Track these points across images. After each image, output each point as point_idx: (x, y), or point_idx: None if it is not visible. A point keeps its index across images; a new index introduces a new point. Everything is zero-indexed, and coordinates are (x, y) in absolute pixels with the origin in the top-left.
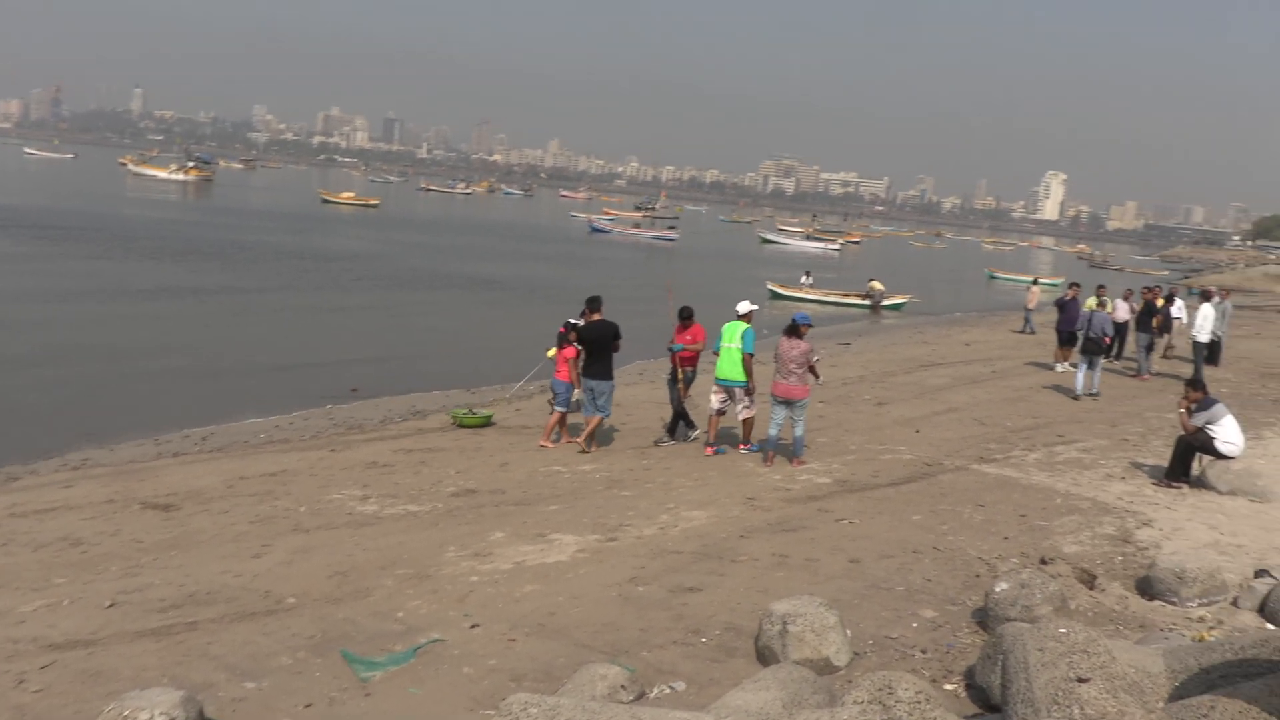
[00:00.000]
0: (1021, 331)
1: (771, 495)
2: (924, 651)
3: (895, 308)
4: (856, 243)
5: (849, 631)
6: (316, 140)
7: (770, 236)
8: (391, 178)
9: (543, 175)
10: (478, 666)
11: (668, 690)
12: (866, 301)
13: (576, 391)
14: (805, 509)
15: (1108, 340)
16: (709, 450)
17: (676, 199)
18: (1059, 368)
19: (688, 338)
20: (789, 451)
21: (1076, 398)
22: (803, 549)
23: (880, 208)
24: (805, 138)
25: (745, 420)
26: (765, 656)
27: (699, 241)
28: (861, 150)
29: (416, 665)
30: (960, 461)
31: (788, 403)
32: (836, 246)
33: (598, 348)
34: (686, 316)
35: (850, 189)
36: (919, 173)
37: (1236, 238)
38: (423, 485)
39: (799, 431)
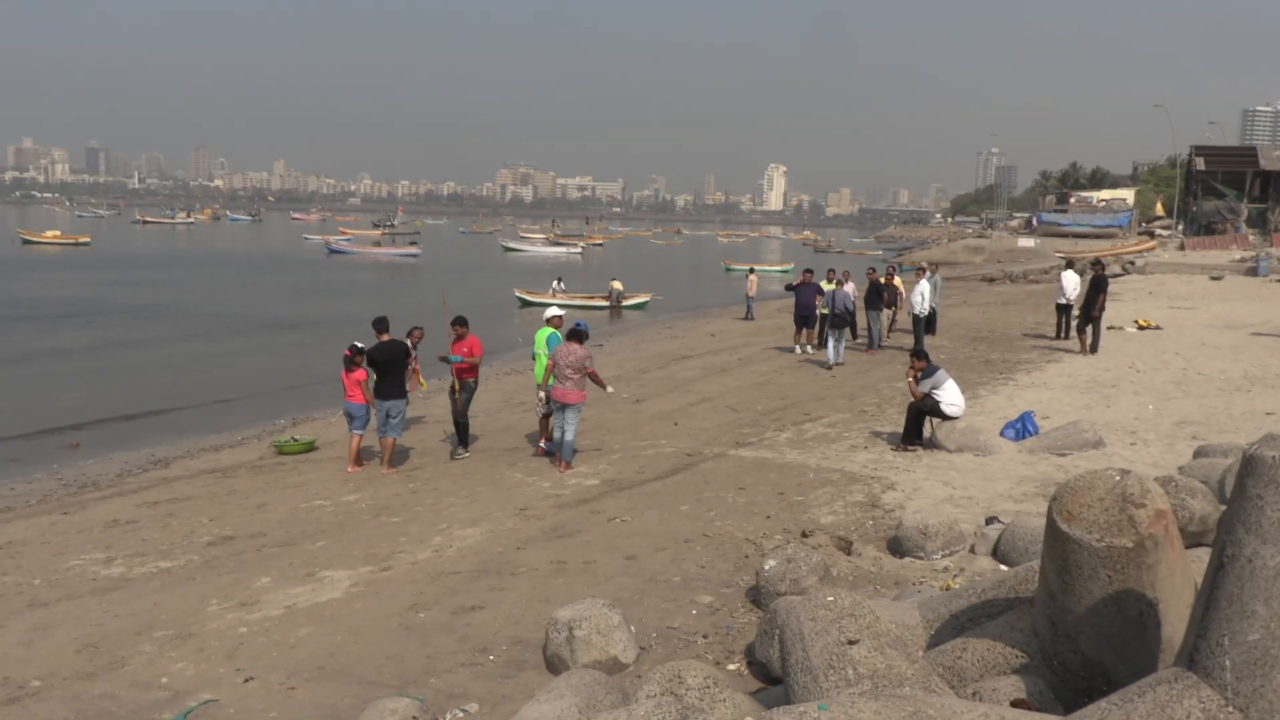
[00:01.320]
0: (744, 319)
1: (543, 503)
2: (705, 637)
3: (638, 307)
4: (599, 245)
5: (633, 628)
6: (9, 176)
7: (513, 245)
8: (101, 211)
9: (270, 198)
10: None
11: (460, 714)
12: (606, 303)
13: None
14: (577, 513)
15: (851, 314)
16: (540, 450)
17: (415, 214)
18: (798, 350)
19: (464, 349)
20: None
21: (829, 368)
22: (579, 552)
23: (618, 209)
24: (540, 145)
25: (542, 420)
26: (555, 665)
27: (442, 255)
28: (595, 155)
29: None
30: (718, 449)
31: (562, 407)
32: (579, 249)
33: (389, 368)
34: (462, 325)
35: (587, 193)
36: (651, 172)
37: (938, 215)
38: (173, 539)
39: (569, 436)
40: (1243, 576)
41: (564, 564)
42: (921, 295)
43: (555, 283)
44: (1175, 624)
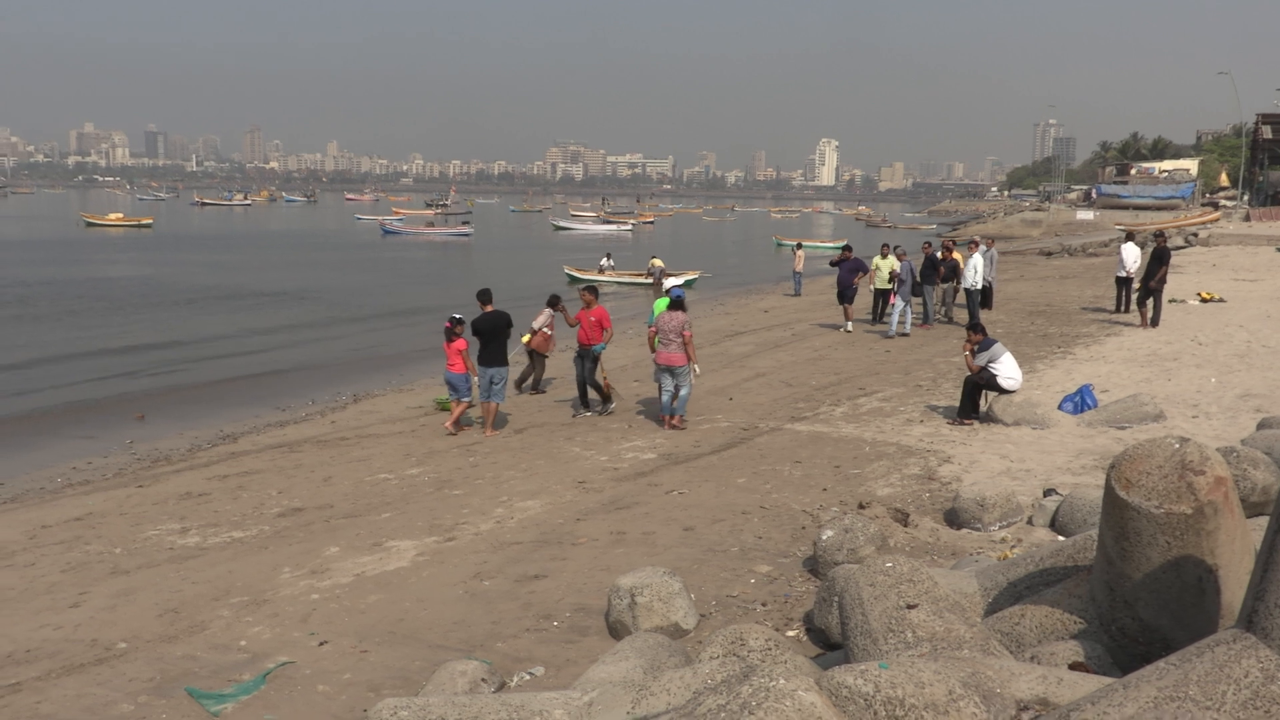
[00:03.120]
0: (794, 295)
1: (600, 476)
2: (764, 605)
3: (685, 285)
4: (650, 223)
5: (693, 595)
6: (72, 160)
7: (562, 223)
8: (161, 194)
9: (324, 179)
10: (332, 683)
11: (528, 676)
12: (649, 280)
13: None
14: (635, 485)
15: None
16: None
17: (466, 193)
18: (848, 326)
19: (592, 318)
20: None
21: (891, 336)
22: (638, 524)
23: (668, 186)
24: (589, 123)
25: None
26: (617, 631)
27: (494, 234)
28: (645, 132)
29: (268, 691)
30: (774, 423)
31: (669, 369)
32: (629, 227)
33: (492, 337)
34: (591, 293)
35: (637, 170)
36: (701, 149)
37: (994, 189)
38: (244, 510)
39: (684, 392)
40: None
41: (623, 535)
42: (975, 269)
43: (604, 259)
44: (1235, 590)
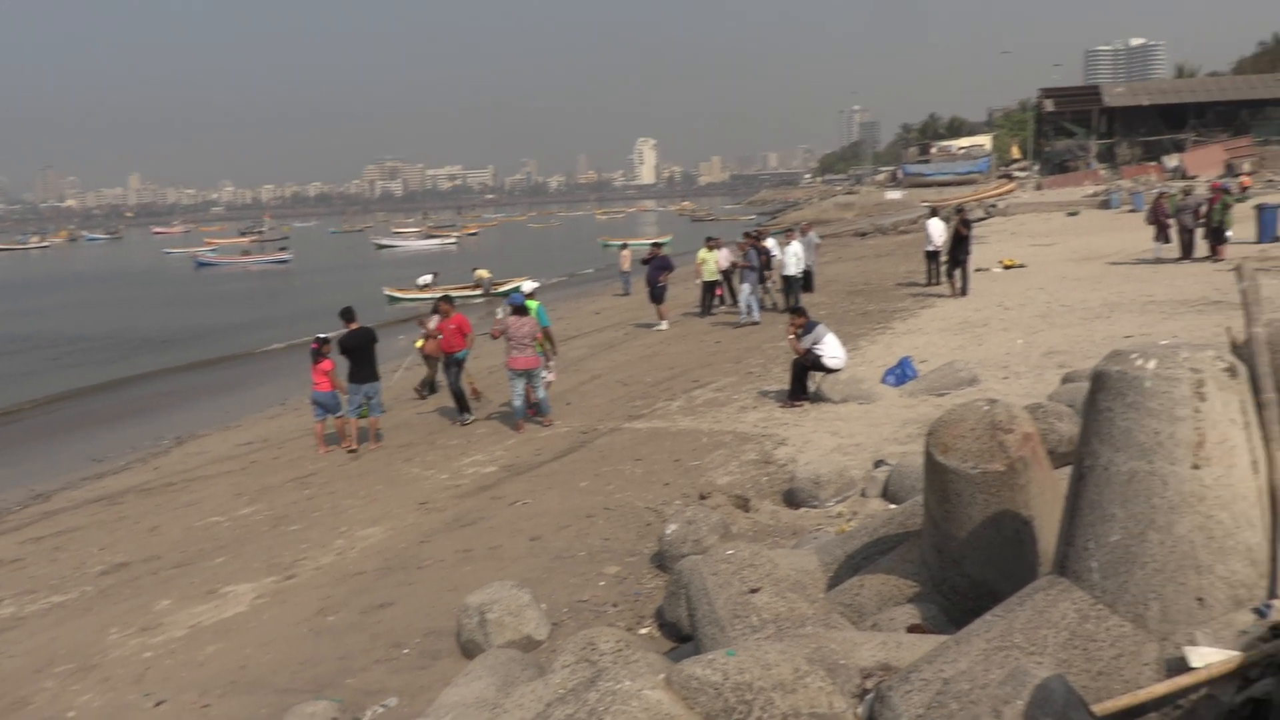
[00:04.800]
0: (623, 295)
1: (442, 495)
2: (615, 605)
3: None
4: (475, 234)
5: (544, 605)
6: None
7: (385, 241)
8: None
9: (129, 214)
10: None
11: (381, 710)
12: (478, 292)
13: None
14: (478, 500)
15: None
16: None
17: (282, 218)
18: (663, 325)
19: (451, 326)
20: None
21: (756, 323)
22: (484, 539)
23: (491, 196)
24: (406, 137)
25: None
26: (469, 650)
27: (314, 258)
28: (463, 143)
29: None
30: (613, 423)
31: (525, 373)
32: (453, 240)
33: (360, 354)
34: (448, 303)
35: (458, 182)
36: (521, 156)
37: (808, 176)
38: (64, 572)
39: (541, 394)
40: (1100, 483)
41: (470, 552)
42: (796, 256)
43: (425, 276)
44: (1049, 538)
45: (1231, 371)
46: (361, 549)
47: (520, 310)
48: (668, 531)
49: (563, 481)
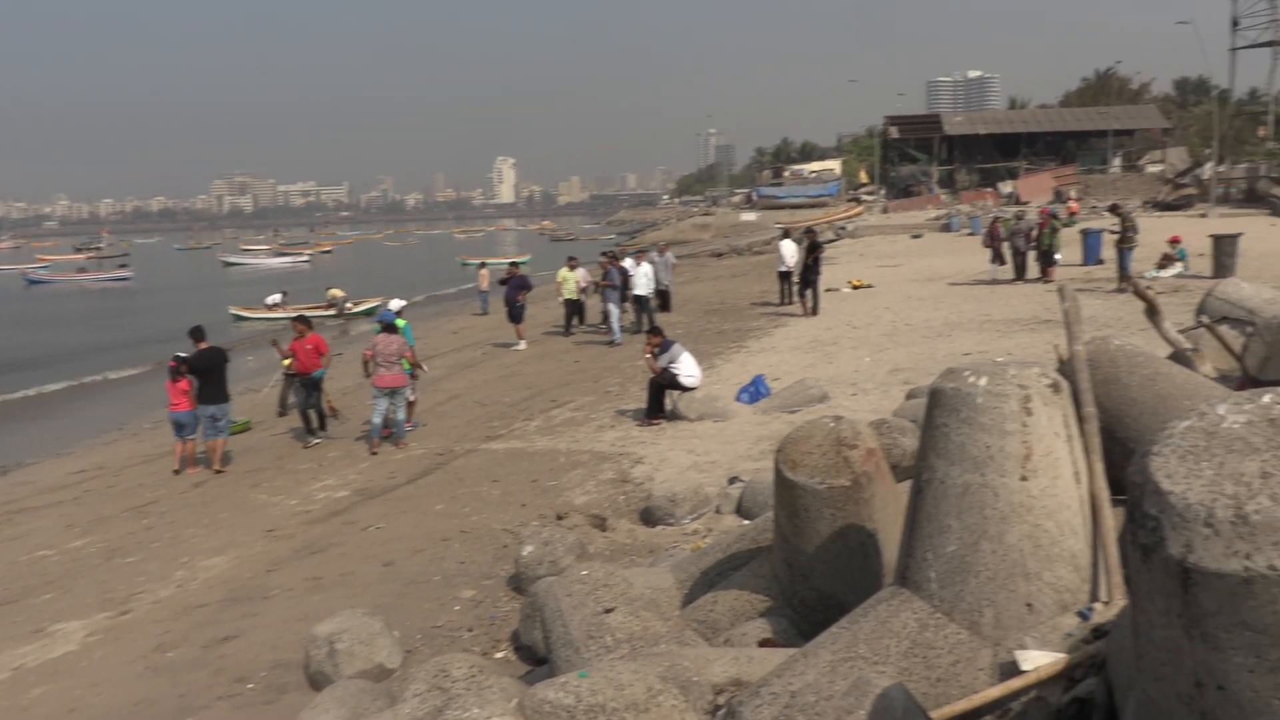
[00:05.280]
0: (482, 314)
1: (291, 521)
2: (470, 630)
3: (368, 312)
4: (328, 252)
5: (396, 633)
6: None
7: (233, 259)
8: None
9: None
10: None
11: None
12: (331, 312)
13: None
14: (329, 526)
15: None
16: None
17: (122, 234)
18: (520, 345)
19: (308, 346)
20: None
21: (617, 343)
22: (335, 566)
23: (346, 213)
24: (257, 152)
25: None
26: (318, 682)
27: (158, 275)
28: (317, 159)
29: None
30: (470, 444)
31: (390, 392)
32: (306, 258)
33: (210, 375)
34: (304, 324)
35: (312, 198)
36: (378, 173)
37: (666, 197)
38: None
39: (400, 415)
40: (937, 496)
41: (319, 580)
42: (647, 276)
43: (275, 296)
44: (893, 549)
45: (1055, 388)
46: (204, 580)
47: (389, 328)
48: (524, 553)
49: (418, 505)
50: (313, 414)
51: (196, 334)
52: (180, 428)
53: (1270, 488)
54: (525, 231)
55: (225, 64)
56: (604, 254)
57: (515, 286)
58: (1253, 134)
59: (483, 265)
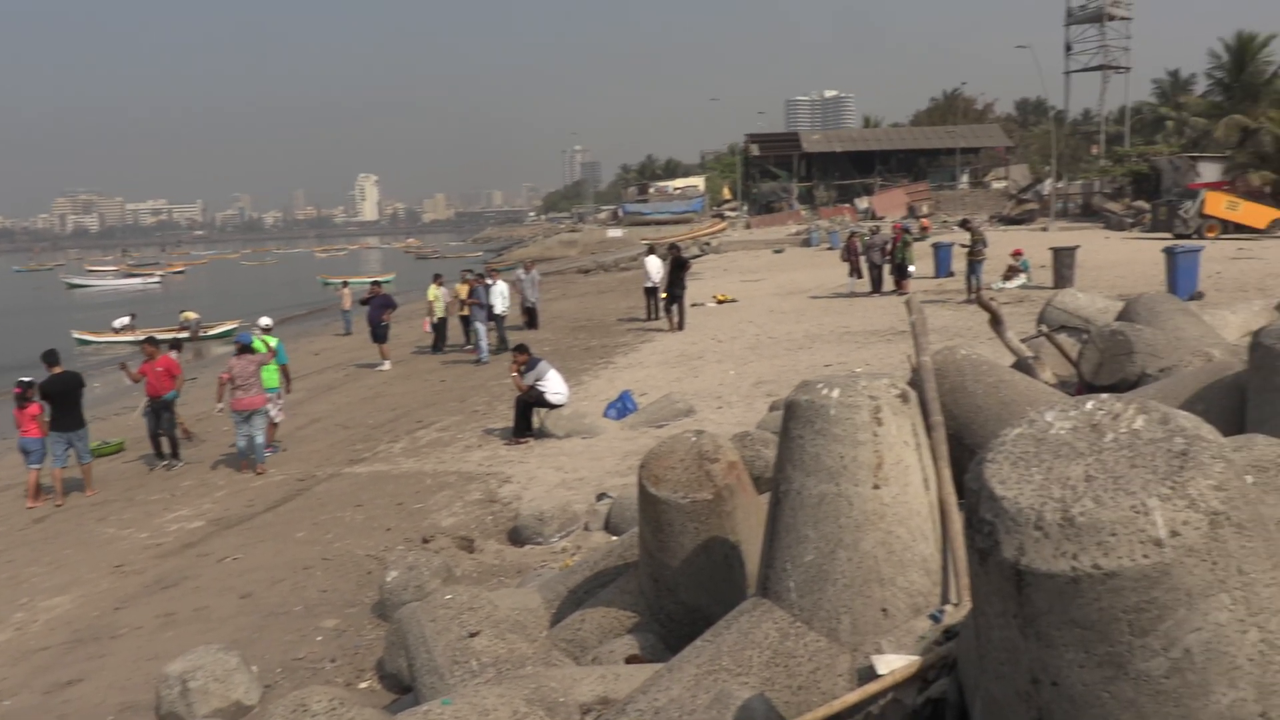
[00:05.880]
0: (344, 334)
1: (141, 555)
2: (334, 661)
3: (225, 334)
4: (181, 272)
5: (255, 667)
6: None
7: (78, 280)
8: None
9: None
10: None
11: None
12: (184, 335)
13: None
14: (183, 559)
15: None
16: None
17: None
18: (385, 365)
19: (159, 368)
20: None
21: (485, 362)
22: (189, 600)
23: (200, 232)
24: (103, 169)
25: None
26: None
27: None
28: (168, 176)
29: None
30: (332, 469)
31: (249, 414)
32: (157, 279)
33: (64, 400)
34: (152, 344)
35: (163, 216)
36: (233, 191)
37: (532, 214)
38: None
39: (259, 439)
40: (794, 507)
41: (172, 616)
42: (502, 295)
43: (122, 319)
44: (755, 561)
45: (904, 398)
46: (45, 621)
47: (246, 349)
48: (388, 579)
49: (277, 533)
50: (164, 440)
51: (50, 358)
52: (27, 455)
53: (1093, 490)
54: (390, 249)
55: (67, 73)
56: (465, 272)
57: (378, 306)
58: (1087, 152)
59: (345, 284)
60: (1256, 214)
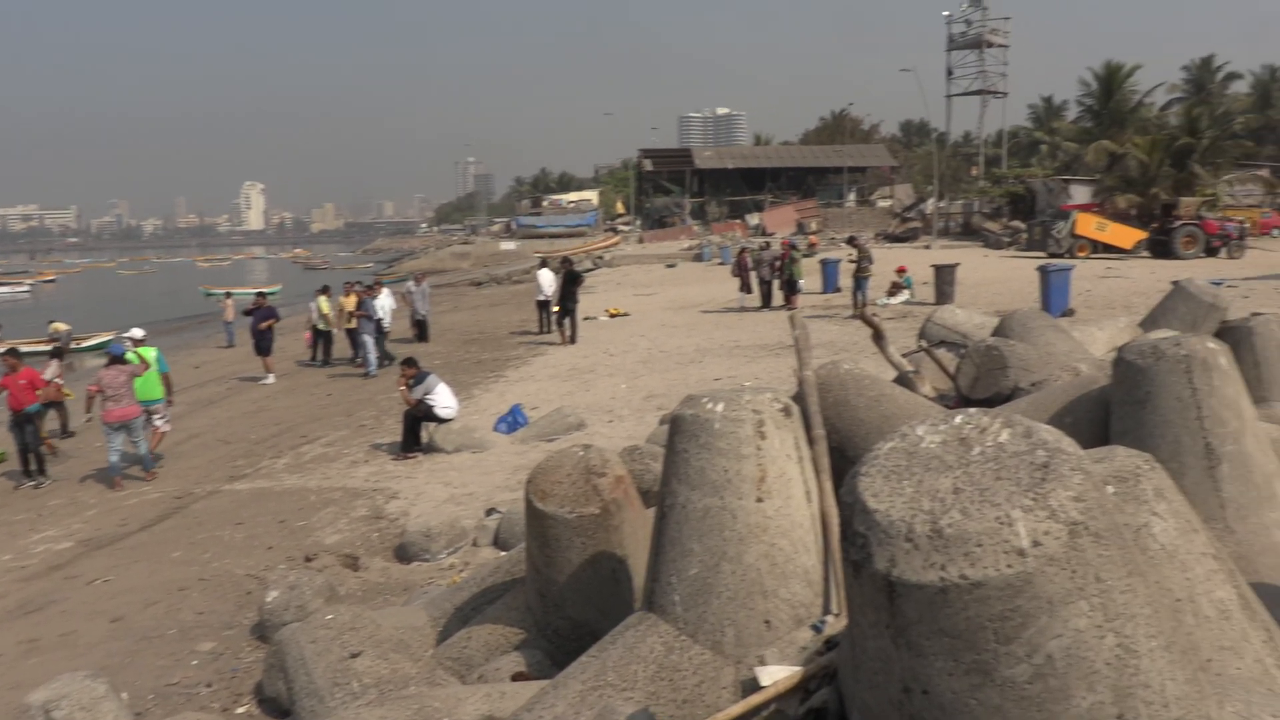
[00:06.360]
0: (227, 346)
1: (4, 579)
2: (209, 686)
3: (98, 347)
4: (52, 281)
5: (125, 695)
6: None
7: None
8: None
9: None
10: None
11: None
12: (54, 346)
13: None
14: (49, 582)
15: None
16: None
17: None
18: (269, 379)
19: (21, 381)
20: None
21: (373, 375)
22: (55, 625)
23: (74, 239)
24: None
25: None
26: None
27: None
28: (40, 181)
29: None
30: (211, 486)
31: (123, 425)
32: (26, 289)
33: None
34: (14, 356)
35: (34, 223)
36: (111, 197)
37: (424, 225)
38: None
39: (143, 450)
40: (680, 520)
41: (36, 642)
42: (383, 309)
43: None
44: (643, 575)
45: (786, 411)
46: None
47: (117, 360)
48: (268, 599)
49: (152, 553)
50: (30, 456)
51: None
52: None
53: (961, 502)
54: (277, 260)
55: None
56: (348, 284)
57: (262, 317)
58: (967, 173)
59: (228, 295)
60: (1123, 235)
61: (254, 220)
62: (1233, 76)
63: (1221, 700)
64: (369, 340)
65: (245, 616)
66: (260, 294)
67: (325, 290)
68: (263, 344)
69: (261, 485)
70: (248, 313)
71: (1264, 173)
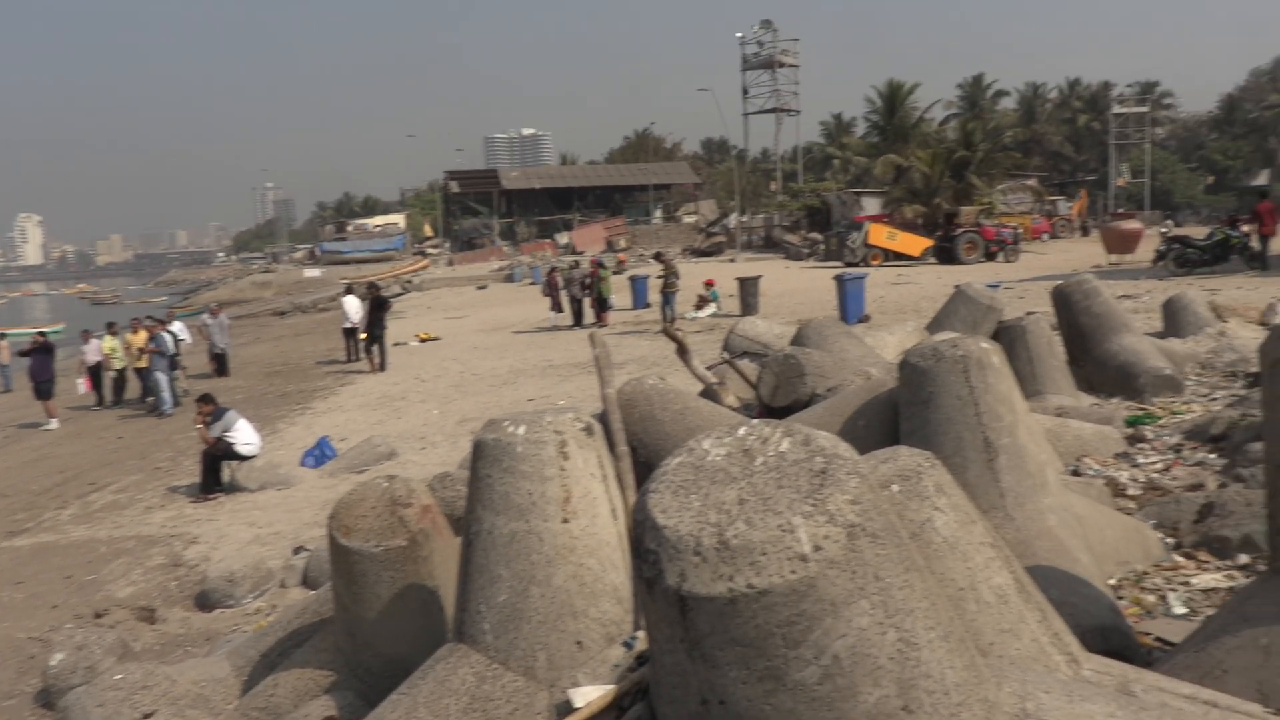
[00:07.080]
0: (3, 391)
1: None
2: None
3: None
4: None
5: None
6: None
7: None
8: None
9: None
10: None
11: None
12: None
13: None
14: None
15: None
16: None
17: None
18: (51, 424)
19: None
20: None
21: (168, 414)
22: None
23: None
24: None
25: None
26: None
27: None
28: None
29: None
30: None
31: None
32: None
33: None
34: None
35: None
36: None
37: (221, 254)
38: None
39: None
40: (486, 547)
41: None
42: (176, 341)
43: None
44: (453, 605)
45: (589, 430)
46: None
47: None
48: (53, 662)
49: None
50: None
51: None
52: None
53: (745, 513)
54: (59, 296)
55: None
56: (136, 320)
57: (42, 358)
58: (766, 188)
59: (3, 336)
60: (912, 243)
61: (31, 254)
62: (1001, 94)
63: (1000, 682)
64: (162, 378)
65: (27, 683)
66: (41, 333)
67: (111, 327)
68: (43, 387)
69: (45, 539)
70: (25, 353)
71: (1033, 182)
